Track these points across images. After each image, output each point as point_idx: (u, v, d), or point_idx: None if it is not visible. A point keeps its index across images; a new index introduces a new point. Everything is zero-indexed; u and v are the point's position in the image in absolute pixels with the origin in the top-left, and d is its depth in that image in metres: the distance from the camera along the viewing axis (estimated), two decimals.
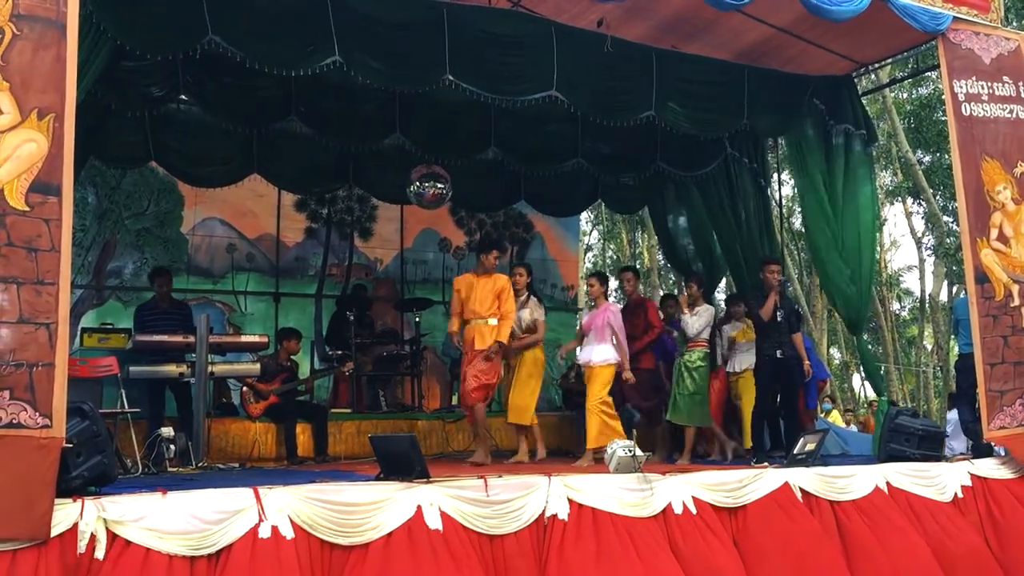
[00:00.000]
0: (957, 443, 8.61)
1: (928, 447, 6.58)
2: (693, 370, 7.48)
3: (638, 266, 23.78)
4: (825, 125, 8.30)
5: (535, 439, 7.31)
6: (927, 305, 23.80)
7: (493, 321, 6.91)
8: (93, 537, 3.87)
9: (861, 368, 26.91)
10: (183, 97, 7.92)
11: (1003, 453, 6.99)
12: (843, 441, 8.85)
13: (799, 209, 23.42)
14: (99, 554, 3.85)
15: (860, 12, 6.46)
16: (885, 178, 24.71)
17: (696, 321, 7.52)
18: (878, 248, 25.88)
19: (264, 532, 4.16)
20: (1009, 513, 6.35)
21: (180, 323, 7.26)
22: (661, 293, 24.78)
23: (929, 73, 12.38)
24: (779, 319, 7.37)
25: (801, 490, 5.71)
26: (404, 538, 4.43)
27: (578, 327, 7.49)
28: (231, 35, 5.89)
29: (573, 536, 4.87)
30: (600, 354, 7.01)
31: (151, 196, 9.36)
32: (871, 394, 26.66)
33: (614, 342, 7.03)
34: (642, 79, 7.30)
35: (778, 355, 7.29)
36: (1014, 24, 14.50)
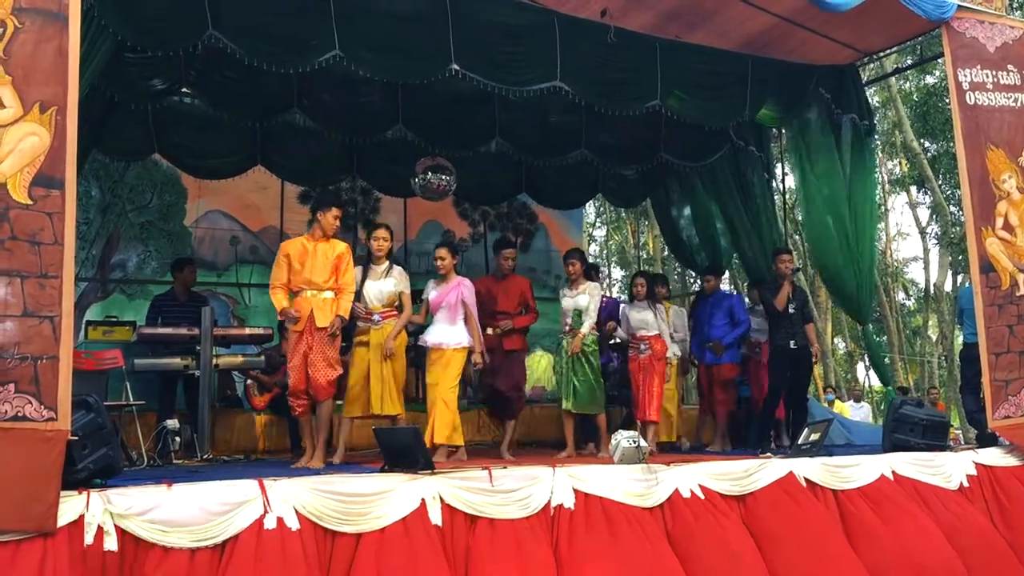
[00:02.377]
0: None
1: (933, 437, 6.57)
2: (590, 354, 6.86)
3: (643, 256, 23.78)
4: (831, 114, 8.29)
5: None
6: (932, 295, 23.74)
7: (330, 295, 5.98)
8: (99, 529, 3.87)
9: (867, 357, 26.92)
10: (186, 90, 7.92)
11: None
12: (847, 431, 8.85)
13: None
14: (105, 546, 3.86)
15: (863, 2, 6.44)
16: (890, 167, 24.65)
17: (593, 302, 6.88)
18: (882, 238, 26.00)
19: (269, 523, 4.17)
20: (1016, 500, 6.35)
21: (197, 316, 7.00)
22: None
23: (934, 61, 12.32)
24: (791, 310, 7.38)
25: (806, 480, 5.72)
26: (409, 528, 4.44)
27: (424, 303, 6.50)
28: (231, 31, 5.88)
29: (582, 523, 4.88)
30: (454, 336, 6.30)
31: (154, 189, 9.36)
32: (876, 383, 26.65)
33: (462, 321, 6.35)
34: (646, 69, 7.26)
35: (791, 345, 7.32)
36: (1018, 12, 14.44)
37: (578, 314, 6.85)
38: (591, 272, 7.53)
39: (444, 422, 6.04)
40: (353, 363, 6.22)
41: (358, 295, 6.22)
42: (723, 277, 10.11)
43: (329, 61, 6.16)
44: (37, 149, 4.11)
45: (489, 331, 6.78)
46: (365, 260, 6.40)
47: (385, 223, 6.82)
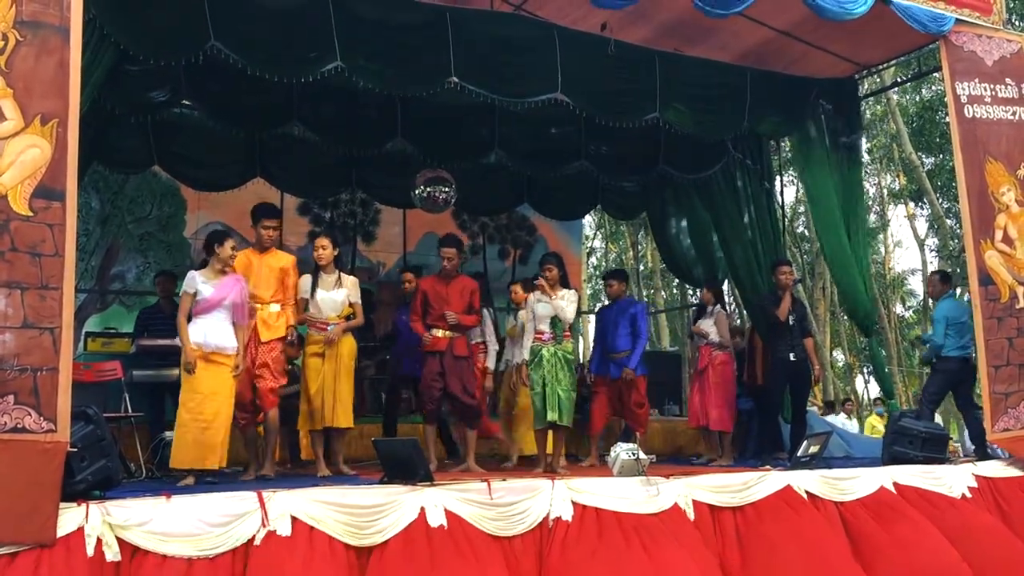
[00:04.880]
0: None
1: (932, 449, 6.57)
2: (571, 362, 6.46)
3: (641, 269, 23.80)
4: (829, 126, 8.30)
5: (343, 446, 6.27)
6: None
7: (276, 307, 5.89)
8: (98, 541, 3.87)
9: (865, 370, 26.92)
10: (186, 102, 7.94)
11: (1005, 455, 6.99)
12: (846, 444, 8.84)
13: (802, 211, 23.52)
14: (104, 558, 3.85)
15: (863, 13, 6.47)
16: (888, 180, 24.71)
17: (571, 307, 6.48)
18: (881, 250, 26.01)
19: (268, 536, 4.16)
20: (1020, 508, 6.35)
21: None
22: (663, 296, 24.80)
23: (932, 74, 12.39)
24: (791, 322, 7.38)
25: (806, 492, 5.71)
26: (410, 539, 4.44)
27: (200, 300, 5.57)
28: (232, 41, 5.90)
29: (575, 534, 4.88)
30: (230, 339, 5.56)
31: (154, 200, 9.38)
32: (874, 396, 26.63)
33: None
34: (645, 81, 7.29)
35: (791, 358, 7.32)
36: (1016, 26, 14.50)
37: (555, 322, 6.47)
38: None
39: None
40: (308, 375, 6.10)
41: (311, 304, 6.14)
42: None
43: (330, 72, 6.18)
44: (38, 161, 4.13)
45: (439, 332, 6.44)
46: (314, 269, 6.24)
47: (328, 232, 6.57)
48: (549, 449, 6.56)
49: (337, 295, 6.15)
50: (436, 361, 6.46)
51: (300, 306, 6.18)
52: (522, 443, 7.39)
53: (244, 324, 5.65)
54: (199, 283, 5.56)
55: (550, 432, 6.54)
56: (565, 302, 6.45)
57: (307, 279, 6.20)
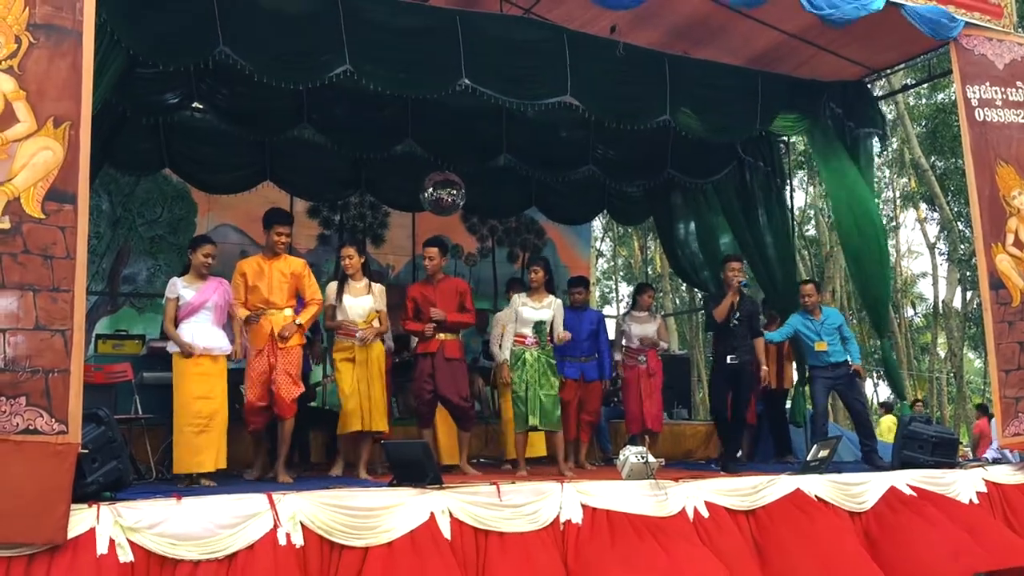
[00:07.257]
0: None
1: (942, 454, 6.55)
2: (554, 366, 6.47)
3: (650, 272, 23.78)
4: (843, 127, 8.26)
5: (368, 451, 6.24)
6: (940, 312, 23.67)
7: (290, 312, 5.93)
8: (109, 542, 3.88)
9: (875, 373, 26.84)
10: (197, 105, 7.97)
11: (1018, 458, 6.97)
12: (855, 448, 8.81)
13: (812, 214, 23.48)
14: (114, 560, 3.86)
15: (863, 16, 6.44)
16: (901, 184, 24.64)
17: (559, 326, 6.54)
18: (892, 253, 25.92)
19: (279, 538, 4.17)
20: None
21: None
22: (673, 299, 24.77)
23: (944, 78, 12.35)
24: (734, 323, 7.02)
25: (816, 497, 5.70)
26: (418, 542, 4.44)
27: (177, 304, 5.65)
28: (241, 47, 5.91)
29: (588, 535, 4.88)
30: (218, 340, 5.66)
31: (164, 203, 9.41)
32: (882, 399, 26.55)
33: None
34: (655, 84, 7.29)
35: (728, 360, 6.99)
36: None
37: (539, 327, 6.44)
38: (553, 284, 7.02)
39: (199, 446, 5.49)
40: (342, 378, 6.16)
41: (338, 311, 6.22)
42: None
43: (340, 76, 6.19)
44: (50, 164, 4.14)
45: (432, 336, 6.46)
46: (341, 276, 6.34)
47: (352, 242, 6.64)
48: (530, 452, 6.62)
49: (364, 302, 6.22)
50: (427, 363, 6.49)
51: (328, 313, 6.26)
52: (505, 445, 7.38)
53: (234, 318, 5.74)
54: (180, 288, 5.67)
55: (551, 436, 6.56)
56: (550, 311, 6.46)
57: (333, 286, 6.30)
